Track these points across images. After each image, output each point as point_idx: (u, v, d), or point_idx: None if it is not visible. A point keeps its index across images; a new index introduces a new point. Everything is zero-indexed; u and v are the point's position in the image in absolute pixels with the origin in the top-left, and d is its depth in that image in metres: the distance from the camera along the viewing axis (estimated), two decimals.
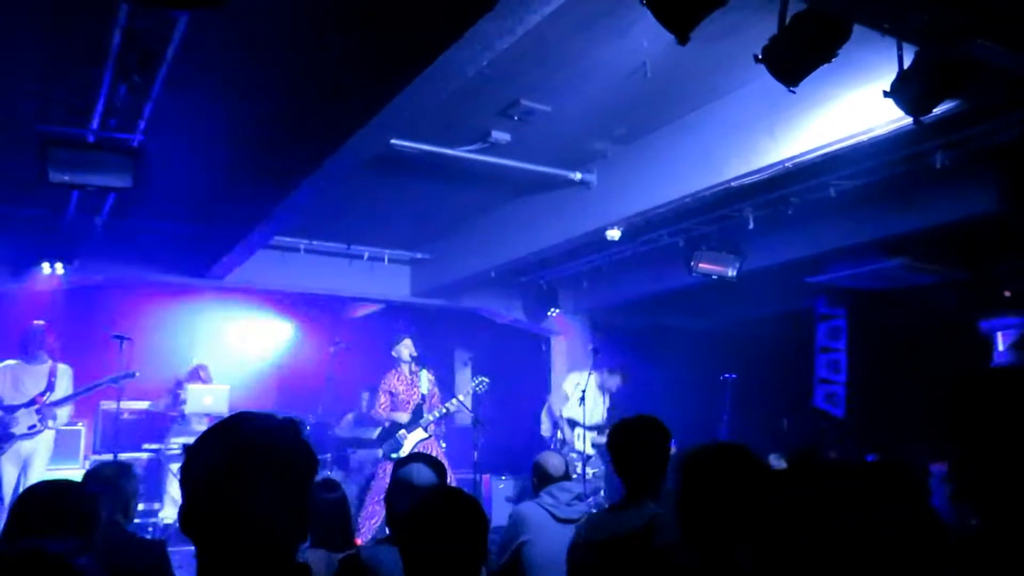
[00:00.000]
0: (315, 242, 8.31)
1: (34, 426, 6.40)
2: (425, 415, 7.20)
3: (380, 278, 8.98)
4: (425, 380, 7.36)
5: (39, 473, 6.24)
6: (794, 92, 3.47)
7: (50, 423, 6.50)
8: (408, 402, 7.28)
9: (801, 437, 8.48)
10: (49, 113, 4.95)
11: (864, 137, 4.54)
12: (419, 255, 8.93)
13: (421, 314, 9.94)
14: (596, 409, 8.10)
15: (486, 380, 7.57)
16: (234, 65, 4.63)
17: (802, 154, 4.85)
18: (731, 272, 7.04)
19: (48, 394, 6.48)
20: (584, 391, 7.77)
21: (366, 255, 8.70)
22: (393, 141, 5.30)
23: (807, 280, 7.81)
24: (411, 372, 7.39)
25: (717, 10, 3.09)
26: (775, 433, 8.59)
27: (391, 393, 7.34)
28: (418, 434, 7.18)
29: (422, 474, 3.08)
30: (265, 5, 3.93)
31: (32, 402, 6.41)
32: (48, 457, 6.54)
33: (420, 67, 3.91)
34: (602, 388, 8.26)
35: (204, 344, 9.23)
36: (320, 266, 8.58)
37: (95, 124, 4.82)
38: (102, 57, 4.08)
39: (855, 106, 4.43)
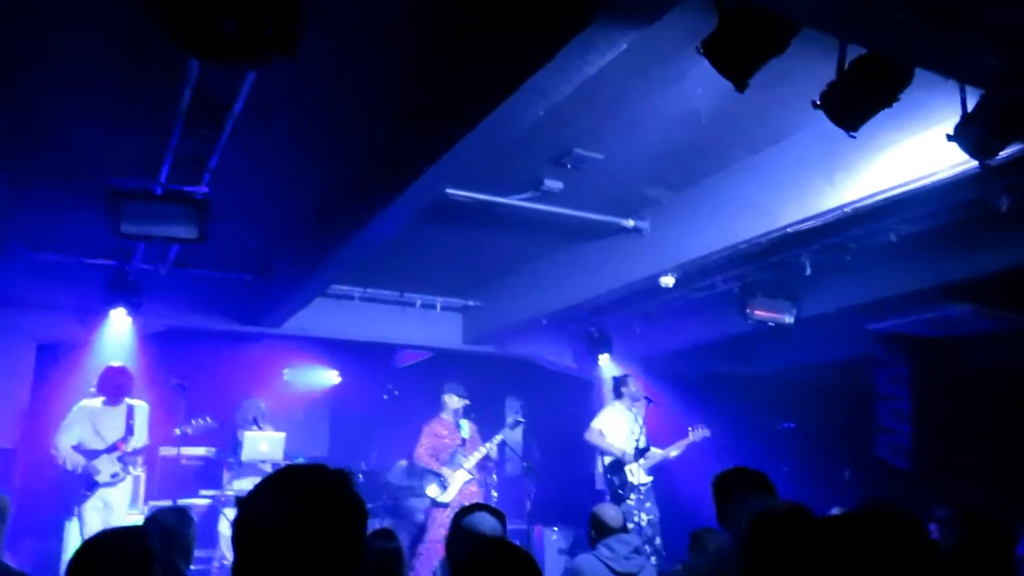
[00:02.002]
0: (369, 290, 8.43)
1: (116, 474, 6.40)
2: (465, 457, 7.40)
3: (432, 325, 9.05)
4: (466, 428, 7.59)
5: (120, 519, 6.24)
6: (855, 137, 3.44)
7: (131, 469, 6.52)
8: (450, 446, 7.47)
9: (864, 489, 8.19)
10: (120, 167, 5.15)
11: (926, 181, 4.45)
12: (471, 302, 8.98)
13: (472, 362, 9.95)
14: (635, 434, 7.75)
15: (521, 420, 7.79)
16: (296, 119, 4.78)
17: (862, 199, 4.77)
18: (788, 319, 6.92)
19: (129, 439, 6.47)
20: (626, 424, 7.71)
21: (418, 303, 8.79)
22: (448, 190, 5.38)
23: (867, 327, 7.62)
24: (454, 420, 7.59)
25: (774, 56, 3.10)
26: (837, 484, 8.32)
27: (436, 436, 7.51)
28: (461, 475, 7.32)
29: (484, 522, 3.07)
30: (327, 63, 4.06)
31: (113, 447, 6.40)
32: (129, 503, 6.56)
33: (477, 118, 3.98)
34: (631, 403, 7.89)
35: (260, 390, 9.34)
36: (373, 313, 8.68)
37: (163, 177, 5.00)
38: (172, 112, 4.25)
39: (917, 149, 4.36)
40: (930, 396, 8.12)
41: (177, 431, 6.83)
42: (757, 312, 6.82)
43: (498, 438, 7.65)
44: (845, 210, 4.90)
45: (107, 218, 5.07)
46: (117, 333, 7.48)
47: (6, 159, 4.93)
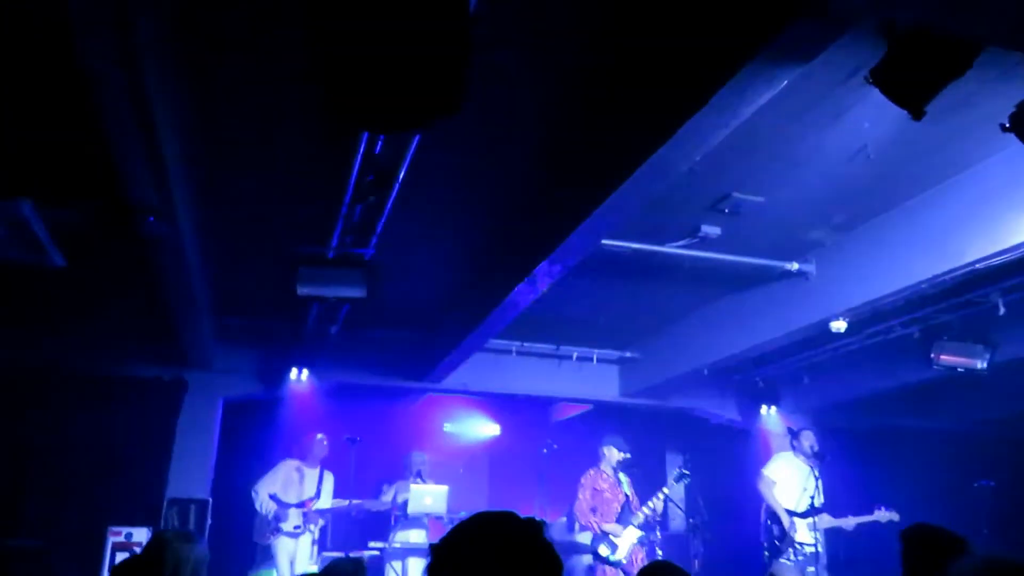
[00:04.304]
0: (526, 344, 8.52)
1: (299, 527, 7.05)
2: (636, 513, 7.12)
3: (588, 378, 8.99)
4: (627, 483, 7.33)
5: (302, 569, 6.82)
6: None
7: (311, 527, 7.14)
8: (613, 502, 7.19)
9: None
10: (296, 234, 5.54)
11: None
12: (628, 354, 8.86)
13: (630, 415, 9.76)
14: (805, 492, 7.15)
15: (687, 472, 7.35)
16: (455, 180, 4.96)
17: None
18: (980, 364, 6.33)
19: (315, 500, 7.16)
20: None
21: (575, 355, 8.77)
22: (603, 241, 5.36)
23: None
24: (614, 474, 7.33)
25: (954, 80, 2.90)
26: None
27: (596, 490, 7.25)
28: (632, 533, 7.04)
29: None
30: (483, 122, 4.17)
31: (302, 504, 7.09)
32: (309, 556, 7.16)
33: (632, 168, 3.96)
34: (806, 458, 7.22)
35: (422, 444, 9.57)
36: (530, 367, 8.75)
37: (335, 241, 5.32)
38: (344, 182, 4.53)
39: None
40: None
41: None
42: (944, 358, 6.30)
43: (665, 491, 7.35)
44: None
45: (285, 282, 5.45)
46: (296, 391, 8.02)
47: (201, 235, 5.41)
